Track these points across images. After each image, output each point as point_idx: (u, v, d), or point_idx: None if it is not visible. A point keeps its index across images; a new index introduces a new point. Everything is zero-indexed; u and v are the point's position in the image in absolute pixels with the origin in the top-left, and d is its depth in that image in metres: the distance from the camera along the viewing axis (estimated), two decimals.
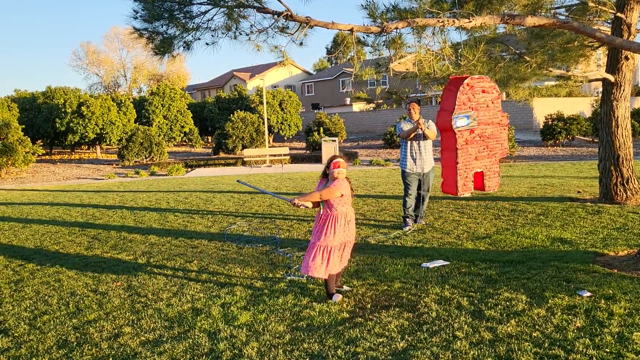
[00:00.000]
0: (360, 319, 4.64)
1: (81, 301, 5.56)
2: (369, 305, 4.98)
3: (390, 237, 7.93)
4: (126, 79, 66.13)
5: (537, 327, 4.23)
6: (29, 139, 26.20)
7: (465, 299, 4.97)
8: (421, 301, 4.98)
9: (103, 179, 22.00)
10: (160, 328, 4.72)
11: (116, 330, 4.72)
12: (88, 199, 14.56)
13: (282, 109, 36.03)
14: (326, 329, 4.45)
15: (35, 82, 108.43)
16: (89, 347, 4.37)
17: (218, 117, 37.61)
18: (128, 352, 4.24)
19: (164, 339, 4.46)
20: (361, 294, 5.34)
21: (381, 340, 4.16)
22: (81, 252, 7.87)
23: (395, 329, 4.38)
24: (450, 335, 4.18)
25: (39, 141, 35.05)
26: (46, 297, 5.74)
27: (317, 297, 5.29)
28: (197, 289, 5.80)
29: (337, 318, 4.70)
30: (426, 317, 4.58)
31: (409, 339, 4.15)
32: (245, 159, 26.23)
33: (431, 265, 6.20)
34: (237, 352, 4.11)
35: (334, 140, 25.60)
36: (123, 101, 33.81)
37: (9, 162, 24.11)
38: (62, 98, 32.18)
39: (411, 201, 8.49)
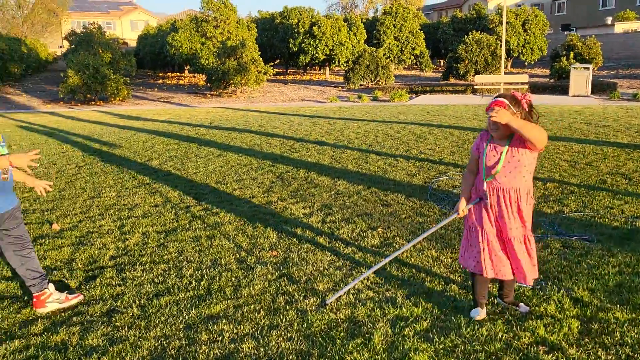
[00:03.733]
0: None
1: (216, 279, 4.27)
2: None
3: None
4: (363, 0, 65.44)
5: None
6: (261, 59, 26.79)
7: None
8: None
9: (325, 103, 21.37)
10: (302, 351, 3.14)
11: (234, 345, 3.28)
12: (298, 124, 13.74)
13: (524, 30, 31.51)
14: None
15: (277, 3, 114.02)
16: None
17: (452, 38, 34.51)
18: None
19: None
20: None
21: None
22: (256, 196, 6.71)
23: None
24: None
25: (277, 61, 36.28)
26: (182, 265, 4.58)
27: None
28: (367, 284, 4.09)
29: None
30: None
31: None
32: (475, 86, 23.35)
33: None
34: None
35: (587, 68, 21.24)
36: (354, 21, 32.80)
37: (242, 81, 24.88)
38: (296, 18, 32.32)
39: None
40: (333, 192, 6.79)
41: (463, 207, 3.45)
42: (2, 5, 44.41)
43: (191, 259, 4.69)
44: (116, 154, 10.03)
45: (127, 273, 4.40)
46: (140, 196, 6.86)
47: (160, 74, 37.20)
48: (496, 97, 3.26)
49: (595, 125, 11.77)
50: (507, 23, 28.44)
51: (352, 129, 12.53)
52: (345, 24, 31.97)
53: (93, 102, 23.86)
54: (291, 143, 10.69)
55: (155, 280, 4.26)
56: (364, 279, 4.13)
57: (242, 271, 4.39)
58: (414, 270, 4.30)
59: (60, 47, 51.21)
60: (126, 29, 70.00)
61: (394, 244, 4.91)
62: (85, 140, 12.01)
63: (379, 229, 5.33)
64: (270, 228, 5.44)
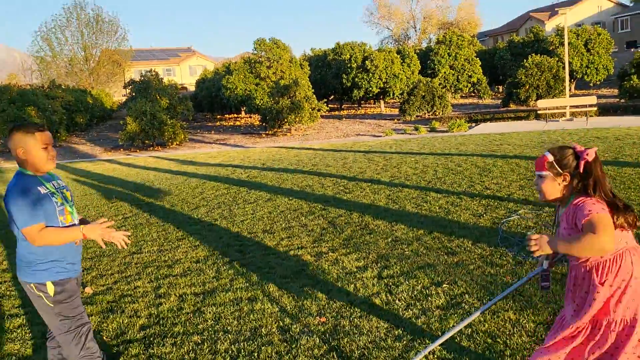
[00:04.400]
0: None
1: (254, 355, 3.66)
2: None
3: None
4: (415, 30, 65.16)
5: None
6: (314, 96, 26.61)
7: None
8: None
9: (380, 136, 20.76)
10: None
11: None
12: (352, 161, 13.16)
13: (587, 50, 30.08)
14: None
15: (331, 40, 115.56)
16: None
17: (510, 63, 33.40)
18: None
19: None
20: None
21: None
22: (305, 246, 6.12)
23: None
24: None
25: (331, 97, 36.15)
26: (218, 336, 4.01)
27: None
28: (432, 359, 3.38)
29: None
30: None
31: None
32: (539, 112, 22.19)
33: None
34: None
35: None
36: (407, 53, 32.32)
37: (296, 119, 24.68)
38: (349, 53, 32.17)
39: None
40: (390, 239, 6.11)
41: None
42: (72, 60, 46.74)
43: (228, 328, 4.12)
44: (164, 202, 9.74)
45: (155, 349, 3.86)
46: (182, 250, 6.40)
47: (217, 116, 37.77)
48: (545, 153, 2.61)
49: None
50: (568, 44, 27.14)
51: (409, 163, 11.83)
52: (398, 55, 31.52)
53: (151, 148, 24.21)
54: (344, 182, 10.09)
55: (186, 357, 3.70)
56: (429, 353, 3.43)
57: (285, 344, 3.77)
58: (489, 340, 3.56)
59: (124, 95, 53.29)
60: (185, 75, 72.37)
61: (463, 304, 4.18)
62: (136, 188, 11.85)
63: (444, 285, 4.61)
64: (318, 287, 4.82)
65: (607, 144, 12.18)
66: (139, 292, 5.06)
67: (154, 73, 30.05)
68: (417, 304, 4.28)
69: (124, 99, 50.26)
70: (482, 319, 3.87)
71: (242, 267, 5.57)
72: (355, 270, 5.19)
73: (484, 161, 11.22)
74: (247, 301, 4.61)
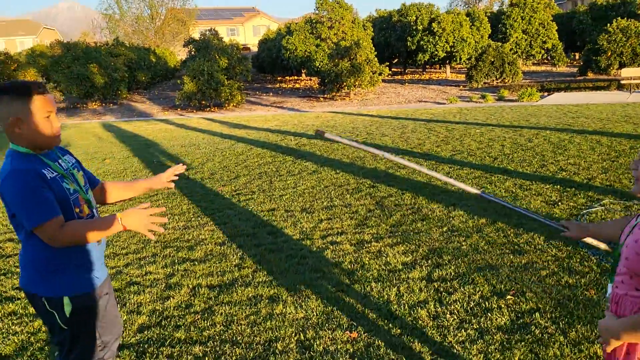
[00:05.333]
0: None
1: None
2: None
3: None
4: None
5: None
6: (376, 59, 25.39)
7: None
8: None
9: (444, 104, 19.49)
10: None
11: None
12: (411, 131, 12.15)
13: None
14: None
15: (397, 1, 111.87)
16: None
17: (590, 28, 30.78)
18: None
19: None
20: None
21: None
22: (346, 232, 5.31)
23: None
24: None
25: (394, 60, 34.71)
26: (224, 349, 3.29)
27: None
28: None
29: None
30: None
31: None
32: (622, 81, 20.18)
33: None
34: None
35: None
36: (477, 15, 30.35)
37: (356, 82, 23.60)
38: (414, 15, 30.55)
39: None
40: (445, 229, 5.22)
41: None
42: (138, 18, 47.14)
43: (238, 338, 3.40)
44: (204, 169, 9.13)
45: None
46: (208, 229, 5.74)
47: (278, 78, 37.08)
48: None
49: None
50: None
51: (473, 136, 10.74)
52: (468, 18, 29.62)
53: (208, 109, 23.82)
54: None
55: None
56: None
57: None
58: None
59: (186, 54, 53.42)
60: (249, 35, 71.90)
61: (532, 327, 3.30)
62: (181, 151, 11.33)
63: (509, 296, 3.72)
64: (354, 288, 4.03)
65: None
66: (149, 279, 4.42)
67: (214, 32, 29.51)
68: (474, 320, 3.42)
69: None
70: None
71: (271, 253, 4.85)
72: (400, 267, 4.36)
73: (558, 136, 9.99)
74: (267, 301, 3.89)
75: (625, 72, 19.80)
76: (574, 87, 22.57)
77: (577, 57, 36.16)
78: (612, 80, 22.20)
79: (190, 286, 4.24)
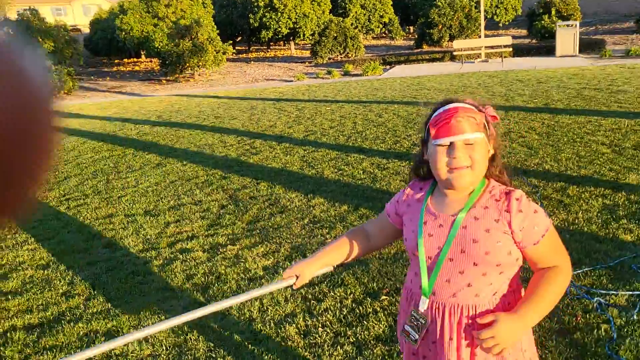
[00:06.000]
0: None
1: None
2: None
3: None
4: None
5: None
6: (219, 37, 24.43)
7: None
8: None
9: (291, 81, 19.22)
10: None
11: None
12: (260, 112, 11.65)
13: None
14: None
15: None
16: None
17: (422, 2, 32.39)
18: None
19: None
20: None
21: None
22: (197, 236, 4.69)
23: None
24: None
25: (238, 38, 33.83)
26: None
27: None
28: None
29: None
30: None
31: None
32: (454, 53, 21.38)
33: None
34: None
35: (573, 26, 19.47)
36: None
37: (200, 62, 22.53)
38: None
39: None
40: (307, 221, 4.80)
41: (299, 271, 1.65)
42: None
43: None
44: None
45: None
46: (27, 248, 4.74)
47: (116, 61, 34.46)
48: (446, 105, 1.46)
49: (609, 92, 9.93)
50: None
51: (325, 114, 10.50)
52: None
53: None
54: (251, 141, 8.61)
55: None
56: None
57: None
58: None
59: None
60: (78, 15, 66.14)
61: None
62: None
63: (383, 297, 3.37)
64: (205, 317, 3.45)
65: (531, 88, 11.39)
66: None
67: (34, 11, 26.46)
68: (349, 332, 3.02)
69: None
70: None
71: (108, 272, 4.07)
72: (261, 273, 3.85)
73: (406, 110, 10.09)
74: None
75: (457, 44, 20.96)
76: (413, 60, 23.50)
77: (412, 30, 38.01)
78: (445, 52, 23.44)
79: (1, 331, 3.37)
